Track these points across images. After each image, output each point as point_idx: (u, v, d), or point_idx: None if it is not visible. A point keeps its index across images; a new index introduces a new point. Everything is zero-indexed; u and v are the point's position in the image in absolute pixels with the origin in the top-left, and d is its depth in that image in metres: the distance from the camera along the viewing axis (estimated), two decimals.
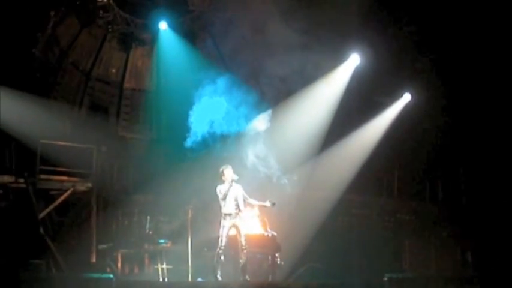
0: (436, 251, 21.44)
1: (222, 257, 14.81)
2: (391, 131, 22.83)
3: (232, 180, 14.88)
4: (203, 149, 18.10)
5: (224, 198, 14.82)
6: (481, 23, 21.44)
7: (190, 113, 17.80)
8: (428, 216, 23.98)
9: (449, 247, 21.69)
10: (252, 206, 15.73)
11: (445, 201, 24.32)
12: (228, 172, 14.95)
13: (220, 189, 14.88)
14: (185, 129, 17.87)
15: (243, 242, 14.88)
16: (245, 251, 14.90)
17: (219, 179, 15.03)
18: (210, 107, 17.80)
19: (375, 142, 22.53)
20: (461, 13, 21.59)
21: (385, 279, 15.73)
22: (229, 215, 14.84)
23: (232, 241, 14.90)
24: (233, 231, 14.92)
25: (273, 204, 15.15)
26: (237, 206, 14.91)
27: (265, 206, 15.39)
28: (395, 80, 22.70)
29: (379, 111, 22.98)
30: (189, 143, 17.64)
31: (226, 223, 14.85)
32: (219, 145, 18.55)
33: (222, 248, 14.74)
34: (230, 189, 14.85)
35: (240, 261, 14.95)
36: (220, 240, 14.79)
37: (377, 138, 22.62)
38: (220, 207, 14.97)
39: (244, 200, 15.09)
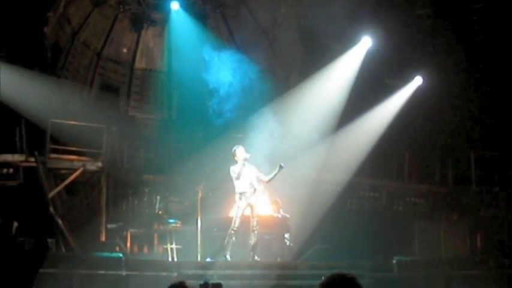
0: (446, 234, 21.37)
1: (234, 238, 14.81)
2: (402, 113, 22.72)
3: (245, 159, 14.84)
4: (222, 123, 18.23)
5: (238, 178, 14.78)
6: (496, 6, 21.25)
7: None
8: (438, 199, 23.94)
9: (458, 230, 21.63)
10: (266, 182, 15.53)
11: (455, 184, 24.24)
12: (240, 152, 14.89)
13: (234, 169, 14.86)
14: (196, 109, 17.92)
15: (255, 223, 14.86)
16: (256, 231, 14.89)
17: (231, 159, 15.00)
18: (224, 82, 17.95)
19: (386, 125, 22.44)
20: None
21: (394, 261, 15.80)
22: (244, 193, 14.80)
23: (243, 221, 14.87)
24: (247, 211, 14.88)
25: (281, 167, 14.94)
26: (251, 184, 14.87)
27: (276, 174, 15.08)
28: (407, 63, 22.57)
29: (390, 94, 22.87)
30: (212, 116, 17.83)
31: (241, 203, 14.82)
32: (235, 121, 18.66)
33: (235, 229, 14.72)
34: (243, 169, 14.82)
35: (250, 241, 14.94)
36: (234, 221, 14.77)
37: (388, 121, 22.52)
38: (235, 188, 14.95)
39: (257, 178, 15.04)
